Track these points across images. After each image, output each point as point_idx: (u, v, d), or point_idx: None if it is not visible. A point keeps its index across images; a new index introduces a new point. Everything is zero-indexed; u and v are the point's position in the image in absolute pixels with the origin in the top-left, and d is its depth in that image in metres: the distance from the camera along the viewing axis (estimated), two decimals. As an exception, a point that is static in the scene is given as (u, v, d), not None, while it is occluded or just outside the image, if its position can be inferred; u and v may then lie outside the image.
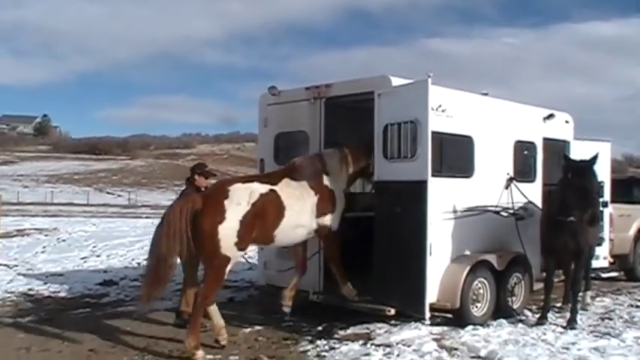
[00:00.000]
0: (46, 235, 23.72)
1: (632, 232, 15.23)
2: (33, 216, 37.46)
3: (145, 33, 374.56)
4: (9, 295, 12.07)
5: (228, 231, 7.81)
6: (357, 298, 9.02)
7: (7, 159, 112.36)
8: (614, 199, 14.81)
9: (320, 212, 8.79)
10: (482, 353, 8.14)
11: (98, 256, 18.38)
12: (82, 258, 17.54)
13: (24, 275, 14.28)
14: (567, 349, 8.44)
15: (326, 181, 8.98)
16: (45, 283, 13.29)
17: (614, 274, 15.76)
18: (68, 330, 9.18)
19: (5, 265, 15.64)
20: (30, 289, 12.69)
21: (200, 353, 7.68)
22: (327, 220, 8.90)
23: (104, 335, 8.76)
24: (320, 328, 9.54)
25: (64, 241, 21.60)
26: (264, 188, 8.30)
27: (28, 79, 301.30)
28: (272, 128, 10.85)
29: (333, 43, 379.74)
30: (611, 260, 13.74)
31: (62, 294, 12.35)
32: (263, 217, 8.12)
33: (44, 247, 20.16)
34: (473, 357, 8.05)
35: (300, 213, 8.57)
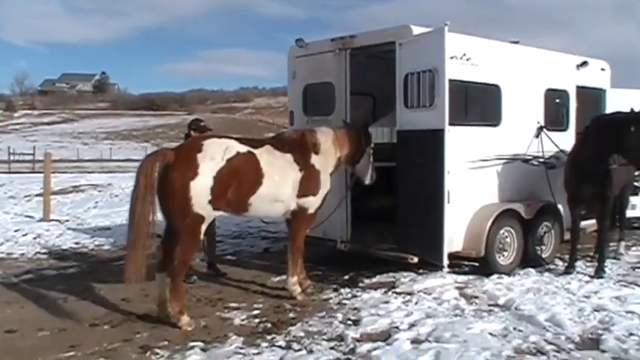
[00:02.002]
0: (99, 191, 24.17)
1: (676, 181, 14.88)
2: (90, 172, 38.21)
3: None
4: (56, 248, 12.46)
5: (200, 187, 7.19)
6: (299, 295, 8.49)
7: (67, 117, 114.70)
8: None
9: (302, 192, 8.21)
10: (501, 301, 8.16)
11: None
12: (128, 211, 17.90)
13: (73, 230, 14.66)
14: (588, 297, 8.39)
15: (313, 159, 8.38)
16: (92, 237, 13.68)
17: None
18: (106, 281, 9.50)
19: (57, 220, 16.04)
20: (77, 243, 13.07)
21: (185, 318, 7.29)
22: (308, 202, 8.32)
23: (139, 285, 8.94)
24: (346, 277, 9.69)
25: (116, 196, 21.99)
26: (242, 148, 7.69)
27: (87, 37, 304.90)
28: (300, 80, 10.88)
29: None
30: (649, 209, 13.51)
31: (106, 247, 12.71)
32: (239, 178, 7.51)
33: (96, 202, 20.56)
34: (490, 305, 8.07)
35: (280, 186, 7.97)
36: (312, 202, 8.38)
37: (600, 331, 6.98)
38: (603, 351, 6.42)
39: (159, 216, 7.40)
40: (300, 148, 8.33)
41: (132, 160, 40.81)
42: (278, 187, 7.94)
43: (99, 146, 78.92)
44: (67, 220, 16.20)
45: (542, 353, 6.32)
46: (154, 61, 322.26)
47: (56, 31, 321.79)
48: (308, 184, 8.24)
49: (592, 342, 6.71)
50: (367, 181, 9.27)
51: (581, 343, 6.69)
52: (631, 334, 6.84)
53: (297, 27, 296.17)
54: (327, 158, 8.55)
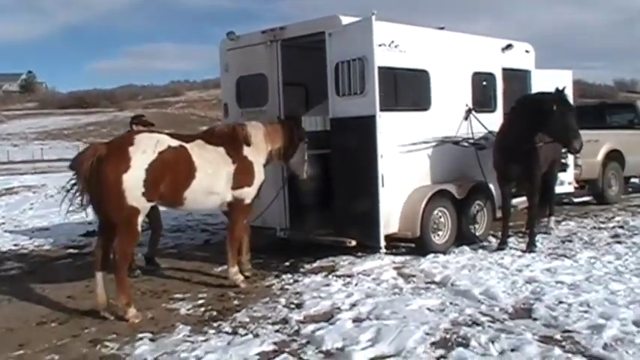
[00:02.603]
0: (34, 192, 23.84)
1: (600, 157, 15.55)
2: (22, 174, 37.52)
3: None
4: (-5, 250, 12.36)
5: (133, 180, 7.23)
6: (241, 283, 8.69)
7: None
8: (586, 126, 15.18)
9: (236, 184, 8.36)
10: (437, 278, 8.49)
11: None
12: (68, 212, 17.76)
13: (10, 232, 14.51)
14: (520, 271, 8.78)
15: (246, 151, 8.54)
16: (30, 238, 13.57)
17: (586, 198, 16.14)
18: (49, 280, 9.50)
19: (-7, 223, 15.90)
20: (16, 245, 12.94)
21: (132, 310, 7.39)
22: (243, 193, 8.48)
23: (83, 282, 9.00)
24: (287, 263, 9.91)
25: (51, 196, 21.68)
26: (173, 142, 7.79)
27: (11, 35, 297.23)
28: (233, 73, 11.01)
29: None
30: (576, 185, 14.11)
31: (46, 247, 12.63)
32: (172, 171, 7.60)
33: (32, 203, 20.30)
34: (427, 282, 8.39)
35: (214, 178, 8.11)
36: (248, 193, 8.54)
37: (532, 301, 7.34)
38: (535, 319, 6.76)
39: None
40: (232, 141, 8.47)
41: (64, 159, 40.19)
42: (211, 179, 8.07)
43: (29, 147, 77.24)
44: (4, 223, 16.02)
45: (478, 324, 6.63)
46: (82, 58, 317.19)
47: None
48: (242, 176, 8.39)
49: (524, 311, 7.06)
50: (302, 176, 9.51)
51: (514, 313, 7.04)
52: (560, 302, 7.22)
53: (226, 19, 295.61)
54: (258, 150, 8.70)
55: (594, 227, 12.33)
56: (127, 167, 7.25)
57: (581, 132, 14.15)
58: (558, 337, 6.18)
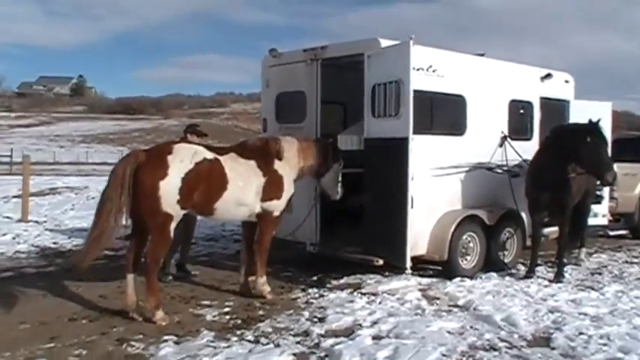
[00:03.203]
0: (76, 194, 24.32)
1: (638, 191, 15.44)
2: (67, 175, 38.23)
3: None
4: (35, 248, 12.69)
5: (170, 187, 7.51)
6: (268, 294, 8.86)
7: (44, 120, 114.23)
8: (626, 159, 15.13)
9: (266, 196, 8.55)
10: (461, 302, 8.58)
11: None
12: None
13: (51, 230, 14.88)
14: (545, 300, 8.83)
15: (276, 165, 8.73)
16: (69, 238, 13.93)
17: (622, 232, 16.02)
18: (84, 279, 9.80)
19: (35, 221, 16.24)
20: (55, 243, 13.31)
21: (160, 313, 7.63)
22: (272, 205, 8.66)
23: (115, 283, 9.24)
24: (315, 278, 10.06)
25: (92, 198, 22.03)
26: (209, 154, 8.04)
27: (65, 40, 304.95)
28: (273, 89, 11.26)
29: (368, 0, 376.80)
30: (611, 218, 14.03)
31: (84, 247, 12.97)
32: (206, 182, 7.86)
33: (73, 204, 20.71)
34: (450, 305, 8.48)
35: (244, 190, 8.31)
36: (277, 205, 8.73)
37: (552, 330, 7.40)
38: (553, 348, 6.83)
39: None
40: (264, 154, 8.70)
41: (108, 163, 40.66)
42: (242, 191, 8.29)
43: (75, 149, 78.73)
44: (45, 221, 16.39)
45: (495, 349, 6.73)
46: (131, 65, 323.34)
47: (33, 33, 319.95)
48: (271, 189, 8.59)
49: (543, 340, 7.13)
50: (334, 197, 9.66)
51: (533, 340, 7.11)
52: (580, 333, 7.27)
53: (274, 34, 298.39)
54: (290, 165, 8.88)
55: (626, 261, 12.28)
56: (165, 174, 7.53)
57: (618, 165, 14.25)
58: (573, 367, 6.24)
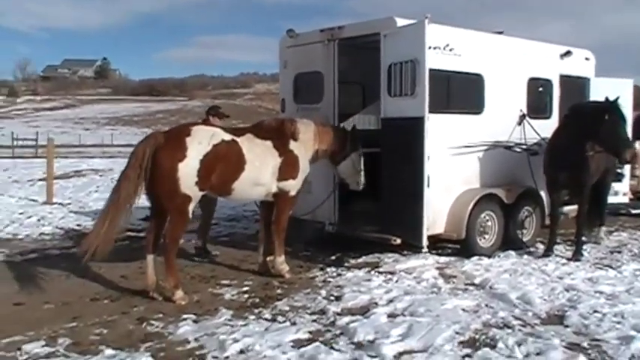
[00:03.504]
0: (100, 176, 24.58)
1: (660, 168, 15.30)
2: (91, 157, 38.63)
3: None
4: (59, 230, 12.93)
5: (188, 169, 7.64)
6: (286, 273, 9.01)
7: (70, 102, 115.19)
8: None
9: (282, 176, 8.65)
10: (477, 281, 8.63)
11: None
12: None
13: (75, 212, 15.11)
14: (561, 278, 8.85)
15: (292, 145, 8.80)
16: (93, 220, 13.96)
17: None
18: (106, 260, 9.93)
19: (60, 203, 16.49)
20: (79, 225, 13.51)
21: (179, 292, 7.78)
22: (288, 185, 8.77)
23: (136, 263, 9.39)
24: (333, 257, 10.15)
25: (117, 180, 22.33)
26: (226, 136, 8.15)
27: (88, 22, 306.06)
28: (291, 69, 11.33)
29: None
30: (632, 196, 13.95)
31: (107, 229, 13.16)
32: (224, 163, 7.97)
33: (97, 186, 20.95)
34: (467, 284, 8.53)
35: (261, 170, 8.42)
36: (293, 185, 8.84)
37: (566, 309, 7.44)
38: (566, 326, 6.87)
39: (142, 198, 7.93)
40: (279, 135, 8.77)
41: (133, 145, 41.00)
42: (259, 171, 8.40)
43: (100, 132, 79.32)
44: (70, 204, 16.63)
45: (509, 327, 6.78)
46: (155, 47, 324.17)
47: (56, 16, 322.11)
48: (287, 169, 8.69)
49: (557, 318, 7.17)
50: (353, 187, 9.70)
51: (547, 318, 7.15)
52: (595, 311, 7.30)
53: (297, 13, 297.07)
54: (305, 146, 8.96)
55: (647, 239, 12.21)
56: (184, 156, 7.66)
57: (638, 142, 14.15)
58: (586, 344, 6.29)
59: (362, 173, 9.58)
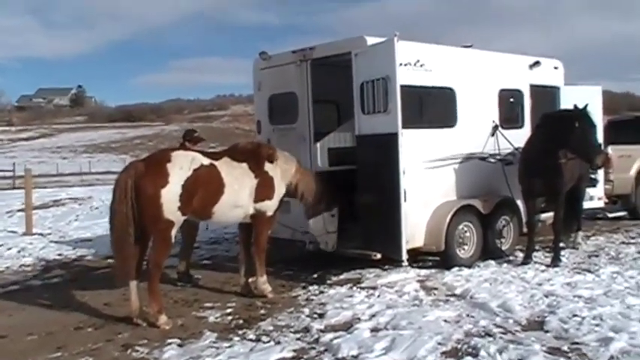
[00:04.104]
0: (80, 204, 24.41)
1: (633, 172, 15.58)
2: (70, 186, 38.41)
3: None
4: (40, 260, 12.86)
5: (171, 194, 7.73)
6: (269, 293, 9.03)
7: (46, 132, 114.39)
8: (622, 140, 15.29)
9: (258, 197, 8.74)
10: (458, 291, 8.74)
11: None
12: (108, 223, 18.26)
13: (56, 242, 15.02)
14: (541, 284, 8.99)
15: (267, 167, 8.90)
16: (74, 249, 14.09)
17: (620, 213, 16.13)
18: (89, 288, 10.00)
19: (40, 233, 16.38)
20: (60, 254, 13.46)
21: (163, 317, 7.81)
22: (265, 206, 8.86)
23: (120, 291, 9.35)
24: (315, 275, 10.23)
25: (96, 208, 22.24)
26: (205, 160, 8.26)
27: (62, 51, 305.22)
28: (265, 91, 11.46)
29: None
30: (607, 201, 14.17)
31: (88, 257, 13.13)
32: (204, 187, 8.08)
33: (77, 215, 20.81)
34: (448, 295, 8.64)
35: (239, 193, 8.53)
36: (269, 206, 8.94)
37: (546, 314, 7.57)
38: (546, 331, 6.99)
39: None
40: (255, 156, 8.89)
41: (111, 172, 41.04)
42: (237, 194, 8.50)
43: (78, 160, 78.80)
44: (50, 234, 16.52)
45: (490, 335, 6.88)
46: (130, 72, 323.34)
47: (30, 45, 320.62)
48: (263, 190, 8.79)
49: (537, 324, 7.29)
50: (322, 246, 9.70)
51: (527, 325, 7.28)
52: (574, 315, 7.43)
53: (273, 34, 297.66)
54: (282, 172, 9.06)
55: (623, 242, 12.46)
56: (166, 182, 7.77)
57: (614, 147, 14.44)
58: (566, 348, 6.41)
59: (333, 236, 9.62)
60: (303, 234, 10.42)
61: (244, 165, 8.72)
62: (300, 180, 9.26)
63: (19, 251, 13.88)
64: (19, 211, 21.17)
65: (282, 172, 9.06)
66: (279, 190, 9.04)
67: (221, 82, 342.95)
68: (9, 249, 14.12)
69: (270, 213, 8.99)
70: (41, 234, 16.39)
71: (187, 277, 10.31)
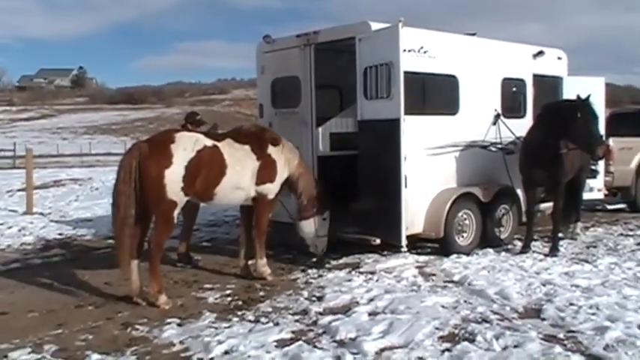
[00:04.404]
0: (80, 185, 24.43)
1: (634, 164, 15.59)
2: (70, 167, 38.44)
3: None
4: (40, 239, 12.93)
5: (174, 175, 7.78)
6: (268, 276, 9.09)
7: (46, 112, 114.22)
8: (624, 133, 15.32)
9: (260, 179, 8.78)
10: (456, 278, 8.79)
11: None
12: (111, 204, 18.30)
13: (56, 222, 15.09)
14: (538, 273, 9.03)
15: (270, 150, 8.93)
16: (74, 228, 14.15)
17: (620, 205, 16.18)
18: (89, 267, 10.05)
19: (40, 213, 16.44)
20: (60, 234, 13.54)
21: (163, 297, 7.87)
22: (266, 188, 8.90)
23: (120, 270, 9.49)
24: (314, 259, 10.24)
25: (96, 189, 22.27)
26: (208, 142, 8.28)
27: (64, 32, 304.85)
28: (268, 75, 11.48)
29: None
30: (607, 192, 14.21)
31: (88, 237, 13.20)
32: (207, 169, 8.12)
33: (77, 195, 20.88)
34: (446, 281, 8.70)
35: (241, 175, 8.56)
36: (271, 189, 8.98)
37: (543, 302, 7.61)
38: (543, 319, 7.04)
39: None
40: (258, 139, 8.94)
41: (112, 153, 40.99)
42: (239, 176, 8.55)
43: (78, 141, 78.75)
44: (50, 213, 16.59)
45: (487, 321, 6.93)
46: (132, 54, 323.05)
47: (32, 26, 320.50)
48: (265, 172, 8.84)
49: (534, 311, 7.34)
50: (312, 249, 9.78)
51: (524, 312, 7.32)
52: (571, 304, 7.47)
53: (275, 18, 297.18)
54: (285, 156, 9.11)
55: (621, 234, 12.48)
56: (170, 163, 7.81)
57: (615, 139, 14.47)
58: (562, 336, 6.45)
59: (324, 240, 9.71)
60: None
61: (247, 147, 8.76)
62: (301, 175, 9.34)
63: (19, 230, 13.95)
64: (19, 190, 21.24)
65: (285, 159, 9.11)
66: (282, 174, 9.08)
67: (223, 66, 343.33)
68: (9, 228, 14.19)
69: (271, 196, 9.03)
70: (41, 213, 16.46)
71: (187, 259, 10.37)
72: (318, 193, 9.52)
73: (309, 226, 9.58)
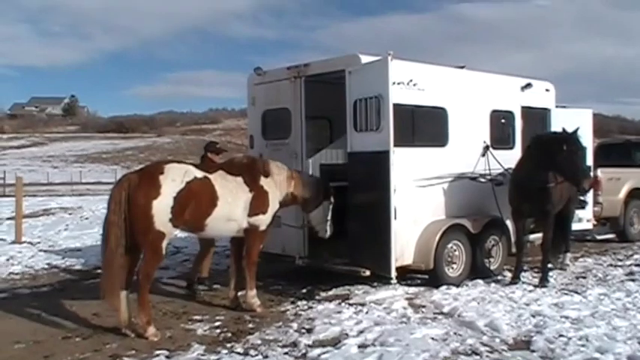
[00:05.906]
0: (70, 214, 24.38)
1: (622, 195, 15.69)
2: (60, 196, 38.37)
3: (171, 7, 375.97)
4: (29, 269, 12.86)
5: (162, 206, 7.77)
6: (258, 307, 9.08)
7: (37, 140, 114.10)
8: (612, 164, 15.45)
9: (252, 211, 8.80)
10: (446, 309, 8.79)
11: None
12: (101, 234, 18.25)
13: (45, 251, 15.01)
14: (528, 304, 9.05)
15: (262, 181, 8.98)
16: (63, 258, 14.08)
17: (609, 236, 16.25)
18: (78, 298, 10.01)
19: (29, 242, 16.36)
20: (49, 264, 13.46)
21: (151, 329, 7.83)
22: (258, 220, 8.90)
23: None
24: (304, 290, 10.27)
25: (86, 219, 22.24)
26: (199, 173, 8.30)
27: (56, 60, 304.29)
28: (259, 106, 11.52)
29: (362, 12, 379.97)
30: (595, 222, 14.29)
31: (77, 267, 13.13)
32: (196, 200, 8.12)
33: (67, 225, 20.80)
34: (436, 313, 8.70)
35: (233, 206, 8.59)
36: (263, 220, 8.98)
37: (533, 334, 7.63)
38: (533, 351, 7.06)
39: None
40: (250, 170, 8.97)
41: (102, 182, 41.14)
42: (231, 207, 8.56)
43: (69, 169, 78.62)
44: (39, 242, 16.51)
45: (477, 354, 6.95)
46: (123, 83, 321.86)
47: (25, 54, 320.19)
48: (257, 203, 8.85)
49: (524, 343, 7.36)
50: (322, 234, 9.86)
51: (514, 344, 7.34)
52: (560, 335, 7.50)
53: (267, 48, 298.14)
54: (277, 185, 9.14)
55: (611, 264, 12.53)
56: (158, 194, 7.81)
57: (603, 170, 14.60)
58: (551, 368, 6.46)
59: (329, 222, 9.77)
60: (292, 249, 10.46)
61: (239, 179, 8.80)
62: (295, 186, 9.37)
63: (7, 259, 13.88)
64: (8, 219, 21.14)
65: (276, 185, 9.15)
66: (274, 205, 9.10)
67: (214, 96, 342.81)
68: (-2, 257, 14.09)
69: (263, 227, 9.03)
70: (30, 243, 16.38)
71: (190, 288, 10.50)
72: (318, 184, 9.64)
73: (318, 213, 9.71)
